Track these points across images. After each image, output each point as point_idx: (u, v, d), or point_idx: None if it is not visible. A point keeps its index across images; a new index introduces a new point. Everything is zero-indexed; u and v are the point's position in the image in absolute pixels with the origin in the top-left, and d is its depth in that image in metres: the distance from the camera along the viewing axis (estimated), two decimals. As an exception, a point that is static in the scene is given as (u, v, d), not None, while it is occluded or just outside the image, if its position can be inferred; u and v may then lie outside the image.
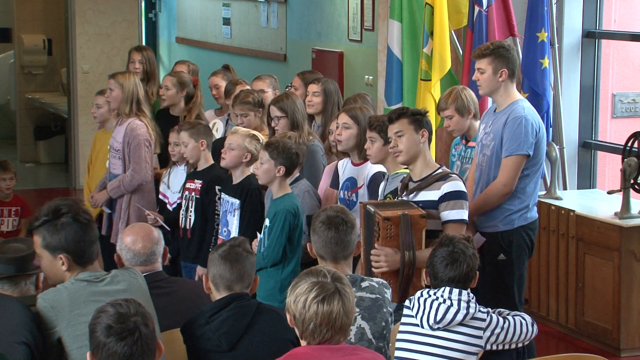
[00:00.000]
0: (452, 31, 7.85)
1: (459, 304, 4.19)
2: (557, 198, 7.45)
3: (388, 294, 4.38)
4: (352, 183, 5.87)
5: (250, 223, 5.94)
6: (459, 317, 4.18)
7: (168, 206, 6.72)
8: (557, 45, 7.80)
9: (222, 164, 6.09)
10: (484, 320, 4.22)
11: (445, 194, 5.06)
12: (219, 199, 6.23)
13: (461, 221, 5.06)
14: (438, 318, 4.18)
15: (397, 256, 4.89)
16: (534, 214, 5.77)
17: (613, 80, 8.47)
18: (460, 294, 4.21)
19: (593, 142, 8.35)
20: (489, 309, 4.29)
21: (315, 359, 3.36)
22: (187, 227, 6.40)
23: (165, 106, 7.68)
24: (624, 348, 6.89)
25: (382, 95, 8.41)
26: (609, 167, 8.38)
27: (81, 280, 3.98)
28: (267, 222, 5.64)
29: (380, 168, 5.69)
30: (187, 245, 6.41)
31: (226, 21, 13.21)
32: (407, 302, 4.33)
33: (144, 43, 13.23)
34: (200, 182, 6.37)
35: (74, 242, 3.99)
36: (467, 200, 5.13)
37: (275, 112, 6.40)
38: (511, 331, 4.27)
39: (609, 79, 8.44)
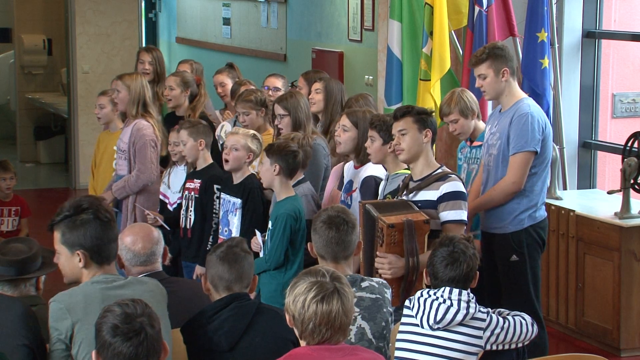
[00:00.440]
0: (452, 31, 7.85)
1: (459, 304, 4.19)
2: (557, 198, 7.44)
3: (388, 294, 4.38)
4: (350, 185, 5.89)
5: (252, 222, 5.95)
6: (459, 317, 4.18)
7: (168, 206, 6.72)
8: (557, 45, 7.79)
9: (227, 167, 6.10)
10: (483, 320, 4.22)
11: (444, 194, 5.06)
12: (218, 198, 6.24)
13: (460, 221, 5.06)
14: (438, 318, 4.18)
15: (401, 262, 4.89)
16: (542, 212, 5.76)
17: (613, 80, 8.47)
18: (460, 294, 4.21)
19: (593, 142, 8.35)
20: (489, 309, 4.29)
21: (315, 359, 3.36)
22: (188, 226, 6.41)
23: (171, 109, 7.65)
24: (624, 348, 6.88)
25: (382, 95, 8.42)
26: (609, 167, 8.38)
27: (97, 283, 3.93)
28: (270, 225, 5.66)
29: (374, 172, 5.69)
30: (188, 245, 6.43)
31: (226, 21, 13.20)
32: (407, 302, 4.33)
33: (144, 43, 13.23)
34: (199, 181, 6.38)
35: (93, 239, 3.94)
36: (466, 200, 5.13)
37: (279, 110, 6.46)
38: (511, 331, 4.27)
39: (609, 79, 8.44)
